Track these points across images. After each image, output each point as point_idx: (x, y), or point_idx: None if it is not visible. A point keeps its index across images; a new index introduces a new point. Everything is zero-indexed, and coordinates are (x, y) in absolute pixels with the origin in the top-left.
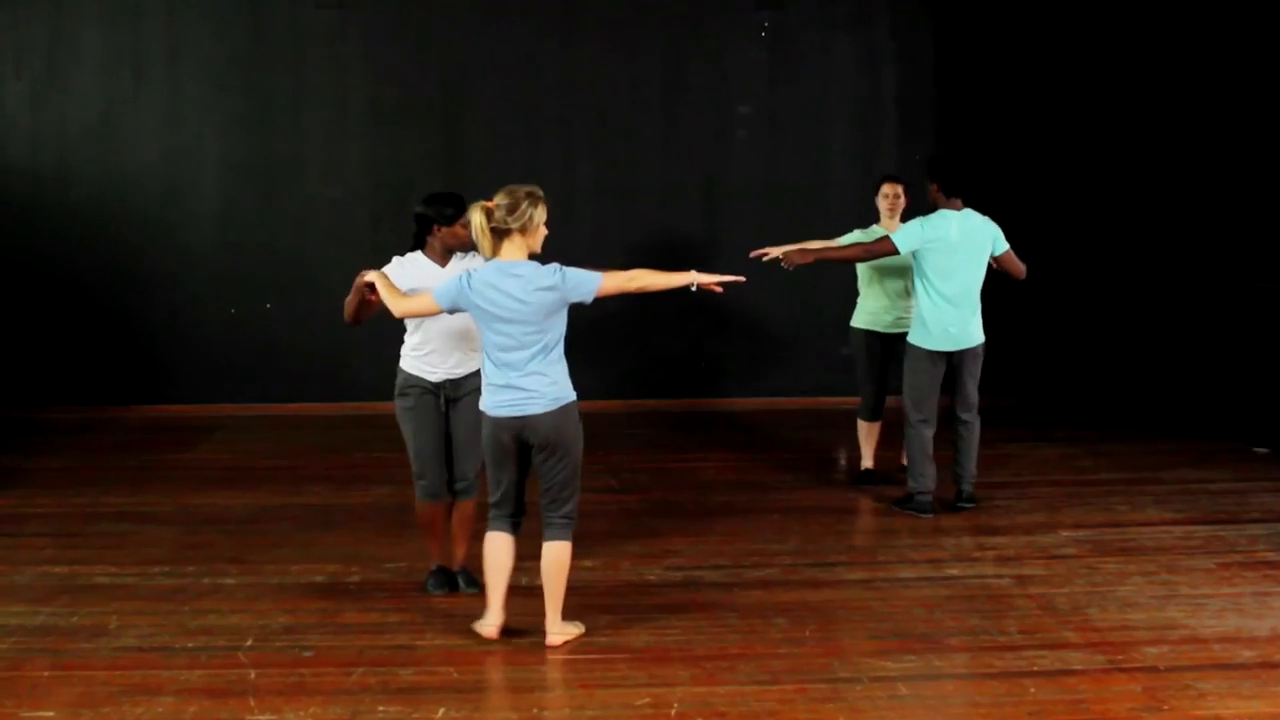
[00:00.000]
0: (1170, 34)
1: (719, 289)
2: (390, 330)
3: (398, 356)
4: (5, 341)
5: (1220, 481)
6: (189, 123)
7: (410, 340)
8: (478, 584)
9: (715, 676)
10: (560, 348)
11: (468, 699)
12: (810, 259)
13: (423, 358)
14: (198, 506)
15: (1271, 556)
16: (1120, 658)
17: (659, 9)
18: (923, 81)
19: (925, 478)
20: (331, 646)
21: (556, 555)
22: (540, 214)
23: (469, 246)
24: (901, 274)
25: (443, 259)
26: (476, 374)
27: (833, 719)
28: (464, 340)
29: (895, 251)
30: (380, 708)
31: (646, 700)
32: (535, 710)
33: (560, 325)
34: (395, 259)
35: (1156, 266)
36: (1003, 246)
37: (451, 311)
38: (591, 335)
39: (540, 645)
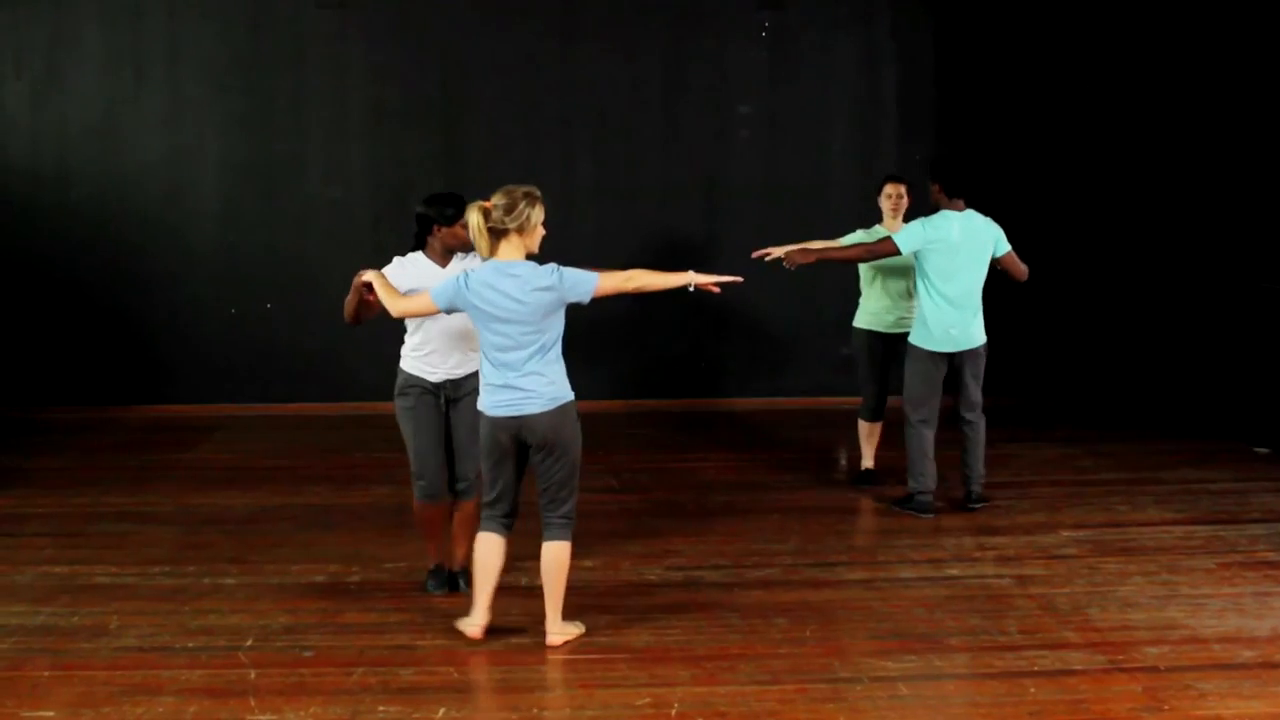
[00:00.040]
0: (1171, 34)
1: (717, 289)
2: (390, 330)
3: (398, 357)
4: (5, 341)
5: (1221, 481)
6: (189, 123)
7: (410, 340)
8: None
9: (716, 676)
10: (558, 348)
11: (468, 699)
12: (812, 259)
13: (423, 358)
14: (198, 506)
15: (1272, 556)
16: (1121, 658)
17: (659, 9)
18: (923, 81)
19: (925, 478)
20: (332, 646)
21: (556, 555)
22: (538, 214)
23: (469, 247)
24: (903, 274)
25: (443, 259)
26: (477, 374)
27: (833, 719)
28: (464, 341)
29: (897, 252)
30: (380, 708)
31: (647, 700)
32: (535, 710)
33: (558, 325)
34: (396, 259)
35: (1157, 266)
36: (1005, 248)
37: (449, 311)
38: (592, 335)
39: (540, 645)
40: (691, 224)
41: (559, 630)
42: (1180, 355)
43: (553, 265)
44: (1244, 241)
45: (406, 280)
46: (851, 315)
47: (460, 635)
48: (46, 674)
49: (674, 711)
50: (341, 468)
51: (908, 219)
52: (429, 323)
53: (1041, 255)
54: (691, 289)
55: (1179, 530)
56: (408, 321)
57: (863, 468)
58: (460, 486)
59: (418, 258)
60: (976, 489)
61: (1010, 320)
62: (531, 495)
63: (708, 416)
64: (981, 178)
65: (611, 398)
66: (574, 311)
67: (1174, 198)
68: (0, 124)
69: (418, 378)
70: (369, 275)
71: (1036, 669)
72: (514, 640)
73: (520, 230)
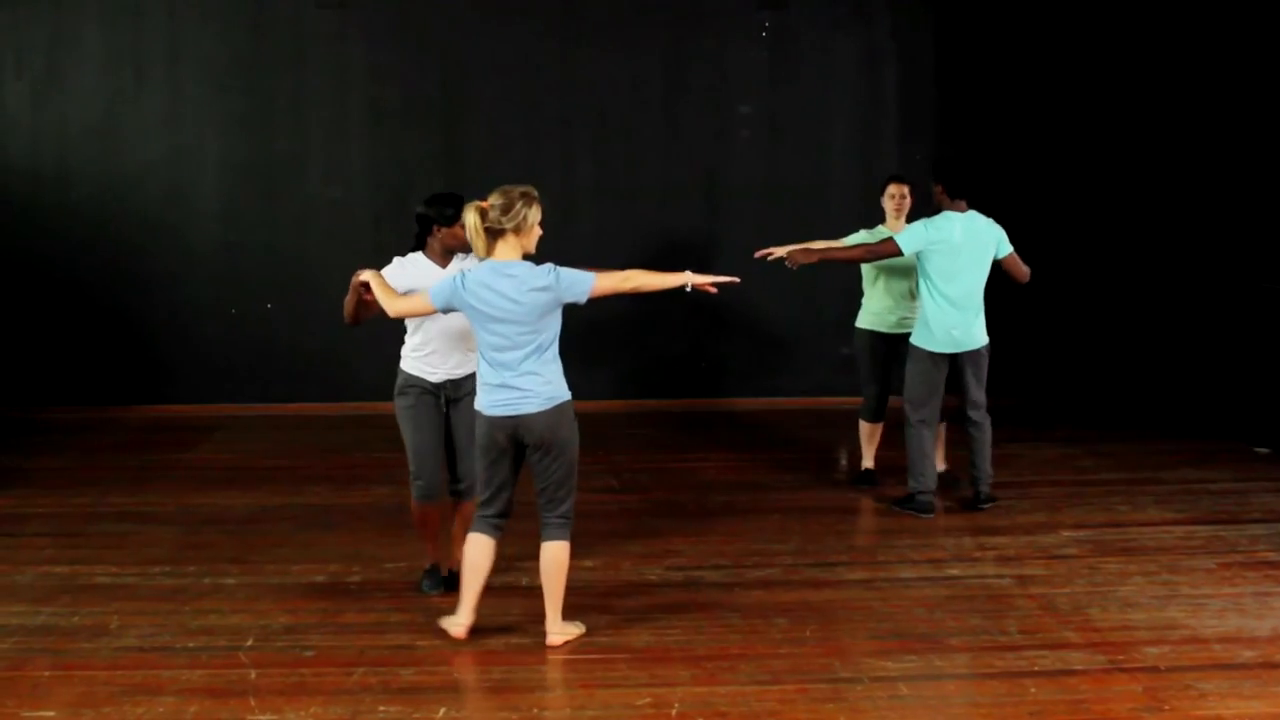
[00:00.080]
0: (1171, 34)
1: (714, 289)
2: (390, 330)
3: (398, 357)
4: (5, 341)
5: (1221, 481)
6: (189, 123)
7: (411, 341)
8: None
9: (716, 676)
10: (555, 347)
11: (468, 699)
12: (814, 259)
13: (423, 358)
14: (198, 506)
15: (1272, 556)
16: (1121, 658)
17: (659, 9)
18: (923, 81)
19: (925, 478)
20: (332, 646)
21: (555, 555)
22: (535, 214)
23: (469, 247)
24: (906, 275)
25: (443, 259)
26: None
27: (833, 719)
28: (464, 341)
29: (899, 253)
30: (381, 708)
31: (647, 700)
32: (535, 710)
33: (554, 325)
34: (396, 259)
35: (1157, 266)
36: (1007, 249)
37: (446, 311)
38: (592, 335)
39: (540, 645)
40: (692, 224)
41: (559, 630)
42: (1180, 355)
43: (549, 265)
44: (1244, 241)
45: (406, 280)
46: (852, 315)
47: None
48: (47, 674)
49: (674, 711)
50: (342, 468)
51: (910, 219)
52: (429, 323)
53: (1041, 255)
54: (689, 289)
55: (1179, 530)
56: (408, 322)
57: (863, 468)
58: (460, 487)
59: (418, 258)
60: (985, 489)
61: (1010, 320)
62: (530, 495)
63: (708, 416)
64: (982, 178)
65: (612, 398)
66: (574, 312)
67: (1174, 198)
68: (0, 124)
69: (418, 378)
70: (366, 275)
71: (1037, 669)
72: (514, 640)
73: (517, 230)
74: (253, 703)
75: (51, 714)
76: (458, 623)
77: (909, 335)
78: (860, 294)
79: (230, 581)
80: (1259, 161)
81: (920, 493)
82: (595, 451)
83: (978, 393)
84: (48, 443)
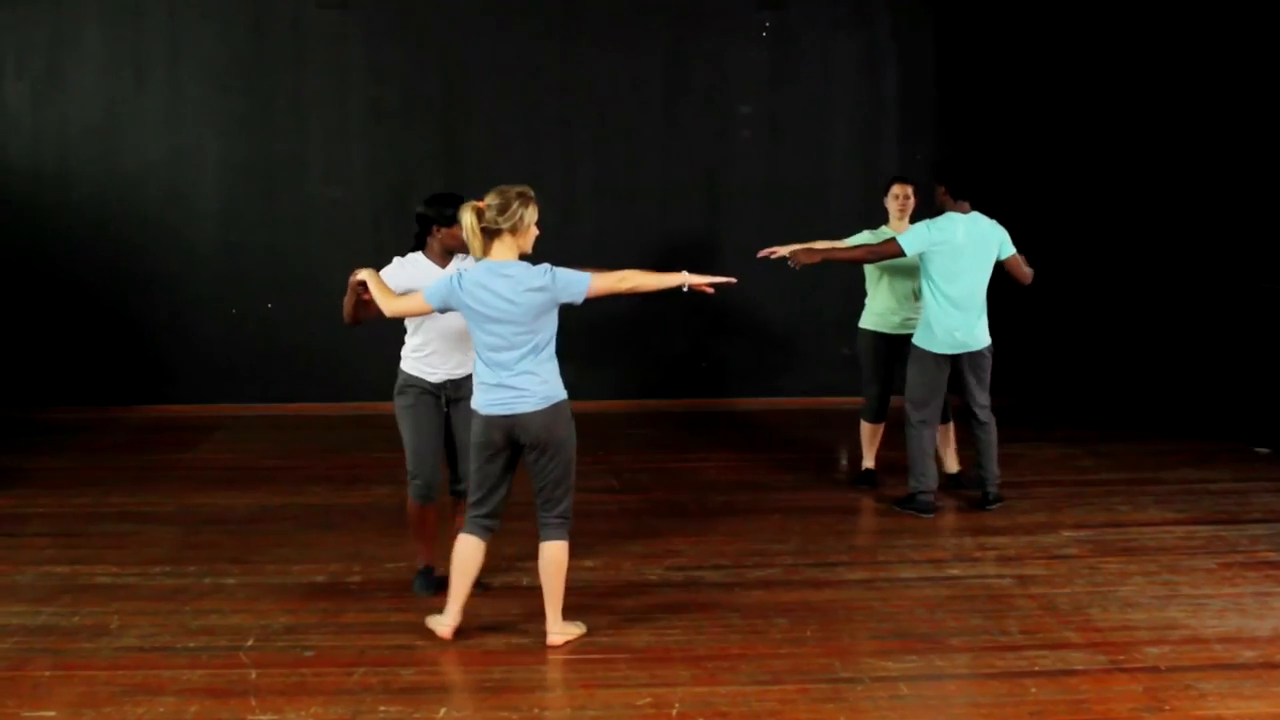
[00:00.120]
0: (1172, 35)
1: (710, 290)
2: (391, 330)
3: (399, 357)
4: (6, 341)
5: (1221, 481)
6: (190, 123)
7: (411, 341)
8: (480, 584)
9: (716, 676)
10: (551, 347)
11: (469, 699)
12: (817, 259)
13: (423, 359)
14: (199, 506)
15: (1273, 556)
16: (1121, 658)
17: (660, 9)
18: (923, 82)
19: (926, 478)
20: (333, 646)
21: (554, 555)
22: (531, 214)
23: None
24: (910, 276)
25: (443, 260)
26: None
27: (834, 719)
28: (465, 341)
29: (901, 253)
30: (381, 708)
31: (648, 700)
32: (536, 710)
33: (551, 325)
34: (396, 259)
35: (1157, 266)
36: (1009, 251)
37: (442, 311)
38: (593, 335)
39: (541, 645)
40: (692, 224)
41: (560, 630)
42: (1181, 355)
43: (545, 265)
44: (1244, 242)
45: (406, 280)
46: (852, 315)
47: (462, 635)
48: (48, 674)
49: (675, 711)
50: (342, 468)
51: (913, 220)
52: (429, 323)
53: (1041, 255)
54: (685, 289)
55: (1180, 530)
56: (408, 322)
57: (863, 468)
58: (461, 487)
59: (417, 258)
60: (993, 490)
61: (1011, 320)
62: (529, 495)
63: (709, 416)
64: (982, 179)
65: (612, 398)
66: (574, 312)
67: (1174, 198)
68: (1, 124)
69: (417, 378)
70: (363, 274)
71: (1037, 669)
72: (514, 640)
73: (514, 230)
74: (253, 703)
75: (52, 714)
76: (444, 623)
77: (912, 336)
78: (862, 294)
79: (231, 581)
80: (1258, 161)
81: (921, 493)
82: (595, 451)
83: (980, 394)
84: (48, 443)
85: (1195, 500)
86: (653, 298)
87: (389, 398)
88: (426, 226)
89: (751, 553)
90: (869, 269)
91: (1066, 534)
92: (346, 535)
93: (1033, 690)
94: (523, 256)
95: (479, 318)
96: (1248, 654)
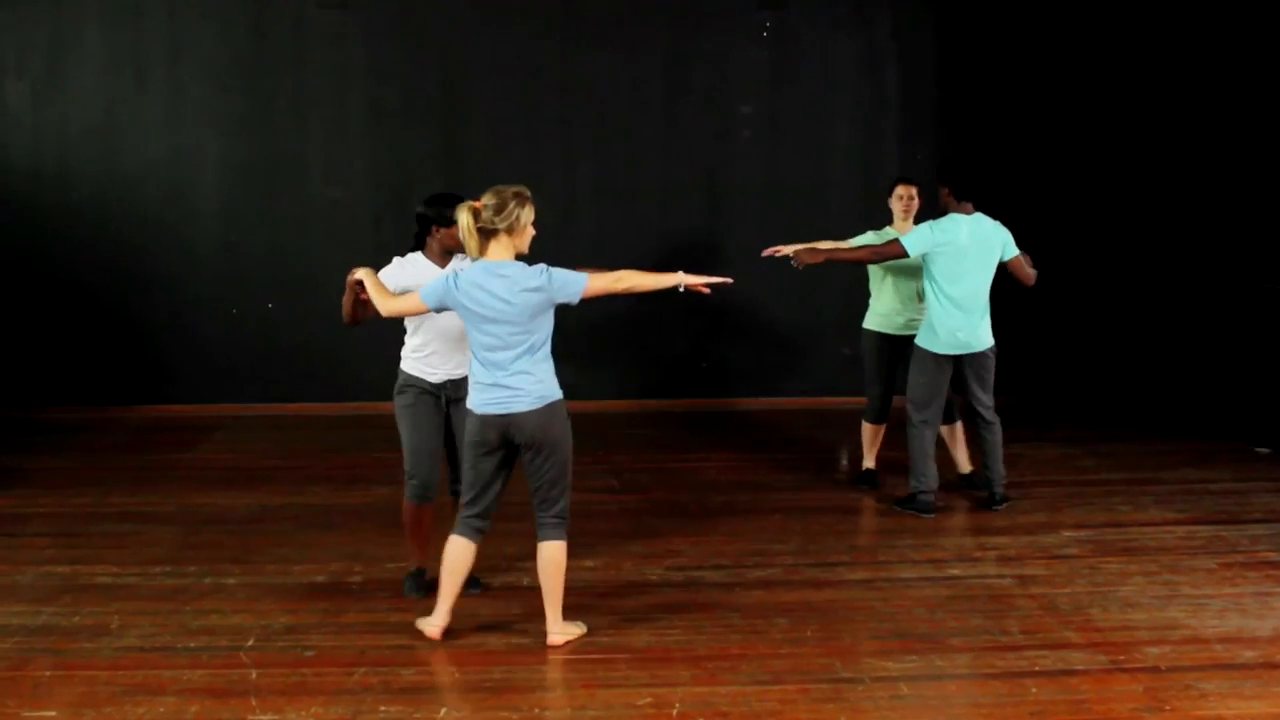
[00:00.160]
0: (1173, 35)
1: (707, 290)
2: (391, 330)
3: (399, 357)
4: (6, 341)
5: (1222, 481)
6: (190, 123)
7: (411, 342)
8: (479, 584)
9: (717, 676)
10: (547, 347)
11: (469, 699)
12: (820, 259)
13: (423, 359)
14: (199, 506)
15: (1273, 557)
16: (1122, 658)
17: (660, 9)
18: (924, 82)
19: (927, 478)
20: (333, 646)
21: (552, 555)
22: (527, 214)
23: None
24: (914, 276)
25: (442, 260)
26: None
27: (834, 719)
28: (464, 341)
29: (904, 254)
30: (382, 707)
31: (648, 700)
32: (537, 710)
33: (547, 326)
34: (395, 259)
35: (1158, 266)
36: (1013, 252)
37: (438, 310)
38: (593, 336)
39: (542, 645)
40: (692, 224)
41: (560, 630)
42: (1181, 355)
43: (541, 266)
44: (1245, 242)
45: (405, 280)
46: (853, 316)
47: (462, 635)
48: (48, 674)
49: (675, 711)
50: (343, 468)
51: (918, 221)
52: (428, 324)
53: (1041, 255)
54: (681, 289)
55: (1180, 530)
56: (407, 322)
57: (864, 468)
58: (460, 486)
59: (417, 258)
60: (999, 490)
61: (1011, 320)
62: (528, 496)
63: (709, 417)
64: (985, 179)
65: (612, 398)
66: (575, 312)
67: (1175, 198)
68: (1, 123)
69: (417, 378)
70: (360, 273)
71: (1038, 669)
72: (514, 640)
73: (510, 230)
74: (254, 703)
75: (52, 714)
76: (433, 623)
77: (915, 337)
78: (863, 295)
79: (231, 581)
80: (1259, 162)
81: (921, 492)
82: (596, 451)
83: (984, 395)
84: (48, 443)
85: (1196, 500)
86: (652, 298)
87: (389, 398)
88: (426, 227)
89: (752, 553)
90: (873, 270)
91: (1067, 534)
92: (347, 535)
93: (1033, 690)
94: (519, 256)
95: (475, 318)
96: (1248, 654)
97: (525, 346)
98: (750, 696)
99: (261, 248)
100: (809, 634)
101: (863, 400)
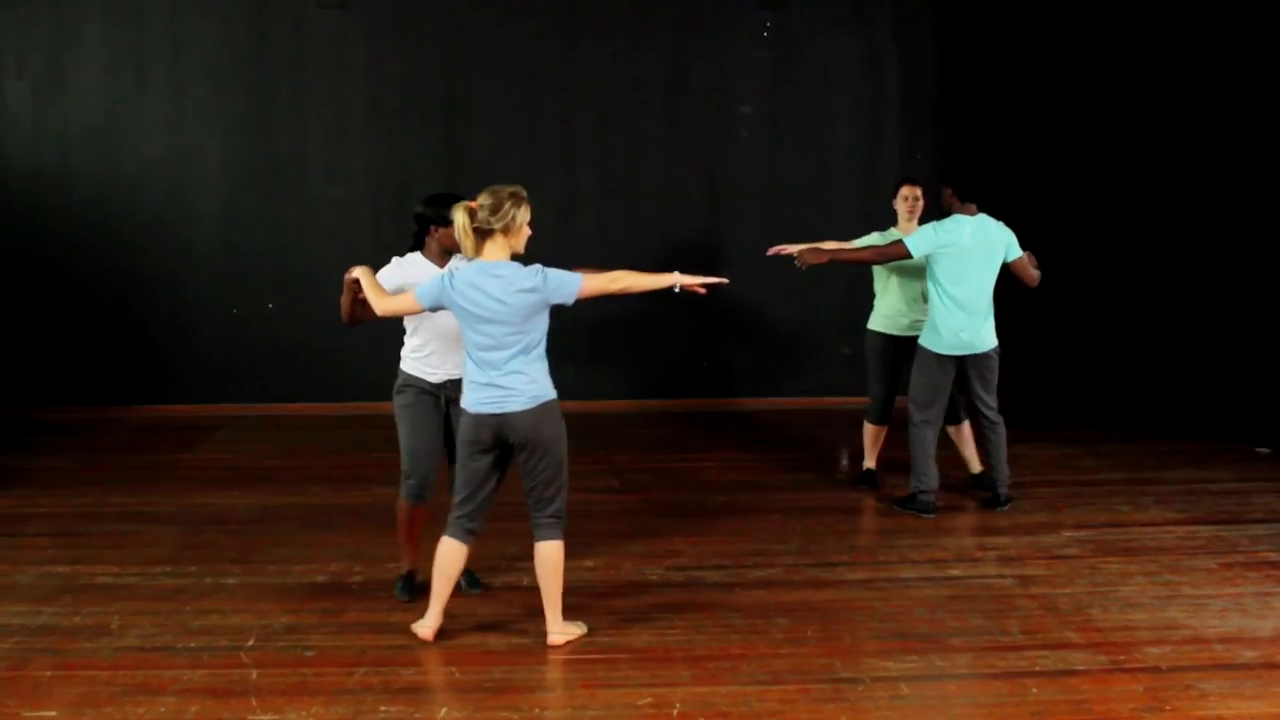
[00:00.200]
0: (1174, 35)
1: (702, 290)
2: (391, 331)
3: (399, 357)
4: (6, 341)
5: (1222, 482)
6: (191, 123)
7: (410, 342)
8: (479, 584)
9: (717, 676)
10: (541, 347)
11: (469, 699)
12: (824, 259)
13: (423, 359)
14: (199, 506)
15: (1274, 557)
16: (1122, 658)
17: (660, 9)
18: (924, 82)
19: (928, 477)
20: (333, 646)
21: (549, 555)
22: (523, 214)
23: None
24: (919, 277)
25: (441, 260)
26: None
27: (835, 719)
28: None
29: (908, 255)
30: (382, 708)
31: (648, 700)
32: (537, 710)
33: (541, 326)
34: (394, 259)
35: (1159, 266)
36: (1016, 253)
37: (433, 309)
38: (594, 336)
39: (542, 645)
40: (692, 224)
41: (560, 630)
42: (1182, 355)
43: (537, 266)
44: (1246, 242)
45: (404, 280)
46: (854, 316)
47: (462, 635)
48: (48, 674)
49: (675, 711)
50: (343, 467)
51: (923, 221)
52: (427, 323)
53: (1041, 256)
54: (677, 290)
55: (1181, 530)
56: (406, 322)
57: (864, 468)
58: None
59: (416, 258)
60: (1003, 491)
61: (1011, 321)
62: (524, 495)
63: (710, 416)
64: (988, 180)
65: (613, 398)
66: (576, 312)
67: (1176, 198)
68: (2, 123)
69: (417, 378)
70: (357, 272)
71: (1038, 669)
72: (515, 640)
73: (505, 231)
74: (254, 703)
75: (53, 714)
76: (425, 624)
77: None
78: (865, 295)
79: (231, 581)
80: (1260, 162)
81: (922, 492)
82: (597, 451)
83: (988, 395)
84: (48, 443)
85: (1196, 500)
86: (651, 298)
87: (389, 397)
88: (425, 227)
89: (752, 553)
90: (877, 271)
91: (1067, 534)
92: (347, 535)
93: (1033, 690)
94: (515, 256)
95: (470, 317)
96: (1249, 654)
97: (520, 347)
98: (750, 696)
99: (261, 248)
100: (809, 634)
101: (863, 400)
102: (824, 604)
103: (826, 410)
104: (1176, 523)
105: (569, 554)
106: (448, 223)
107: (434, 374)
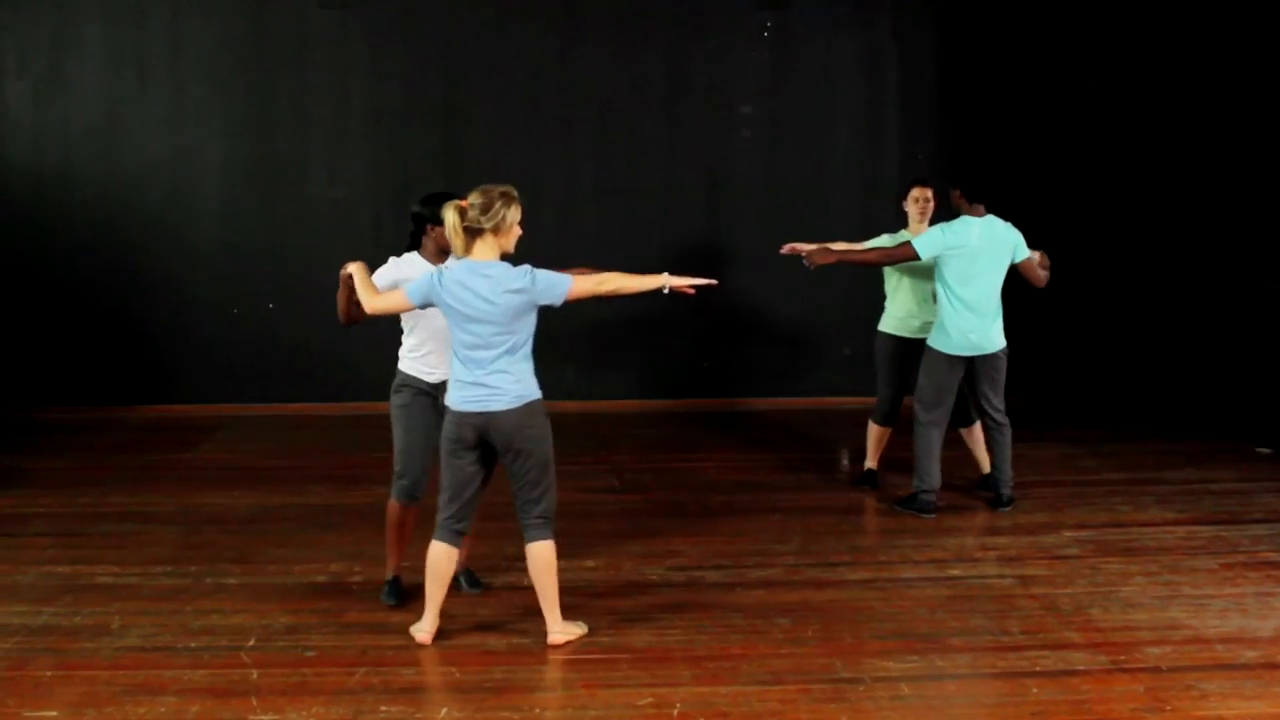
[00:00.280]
0: (1174, 36)
1: (691, 291)
2: (390, 331)
3: (398, 357)
4: (6, 341)
5: (1223, 482)
6: (192, 123)
7: (408, 342)
8: (479, 584)
9: (718, 676)
10: (528, 347)
11: (470, 699)
12: (832, 259)
13: (420, 359)
14: (200, 506)
15: (1274, 557)
16: (1123, 658)
17: (661, 9)
18: (925, 82)
19: (930, 477)
20: (334, 646)
21: (541, 555)
22: (514, 214)
23: None
24: (930, 278)
25: (437, 259)
26: None
27: (835, 719)
28: None
29: (915, 256)
30: (383, 708)
31: (649, 700)
32: (537, 710)
33: (529, 327)
34: (391, 259)
35: (1160, 266)
36: (1024, 254)
37: (423, 307)
38: (595, 336)
39: (542, 645)
40: (693, 224)
41: (560, 629)
42: (1183, 355)
43: (526, 267)
44: (1248, 242)
45: (399, 279)
46: (856, 316)
47: (462, 635)
48: (49, 674)
49: (676, 712)
50: (343, 467)
51: (933, 222)
52: (424, 323)
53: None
54: (666, 291)
55: (1181, 530)
56: (404, 322)
57: (865, 468)
58: None
59: (413, 258)
60: (1006, 491)
61: (1012, 320)
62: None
63: (710, 416)
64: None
65: (614, 398)
66: (578, 312)
67: (1177, 198)
68: (2, 123)
69: (414, 378)
70: (352, 267)
71: (1039, 669)
72: (515, 640)
73: (496, 230)
74: (254, 703)
75: (53, 714)
76: (422, 628)
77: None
78: (868, 296)
79: (232, 581)
80: (1261, 162)
81: (923, 492)
82: (597, 451)
83: (995, 397)
84: (49, 443)
85: (1197, 500)
86: (650, 298)
87: (389, 397)
88: (421, 226)
89: (753, 553)
90: (888, 272)
91: (1068, 534)
92: (347, 535)
93: (1034, 690)
94: (504, 256)
95: (458, 316)
96: (1249, 654)
97: (506, 346)
98: (751, 696)
99: (261, 248)
100: (810, 634)
101: (864, 400)
102: (824, 604)
103: (827, 410)
104: (1177, 523)
105: (569, 554)
106: (443, 222)
107: (431, 374)
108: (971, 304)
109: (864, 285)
